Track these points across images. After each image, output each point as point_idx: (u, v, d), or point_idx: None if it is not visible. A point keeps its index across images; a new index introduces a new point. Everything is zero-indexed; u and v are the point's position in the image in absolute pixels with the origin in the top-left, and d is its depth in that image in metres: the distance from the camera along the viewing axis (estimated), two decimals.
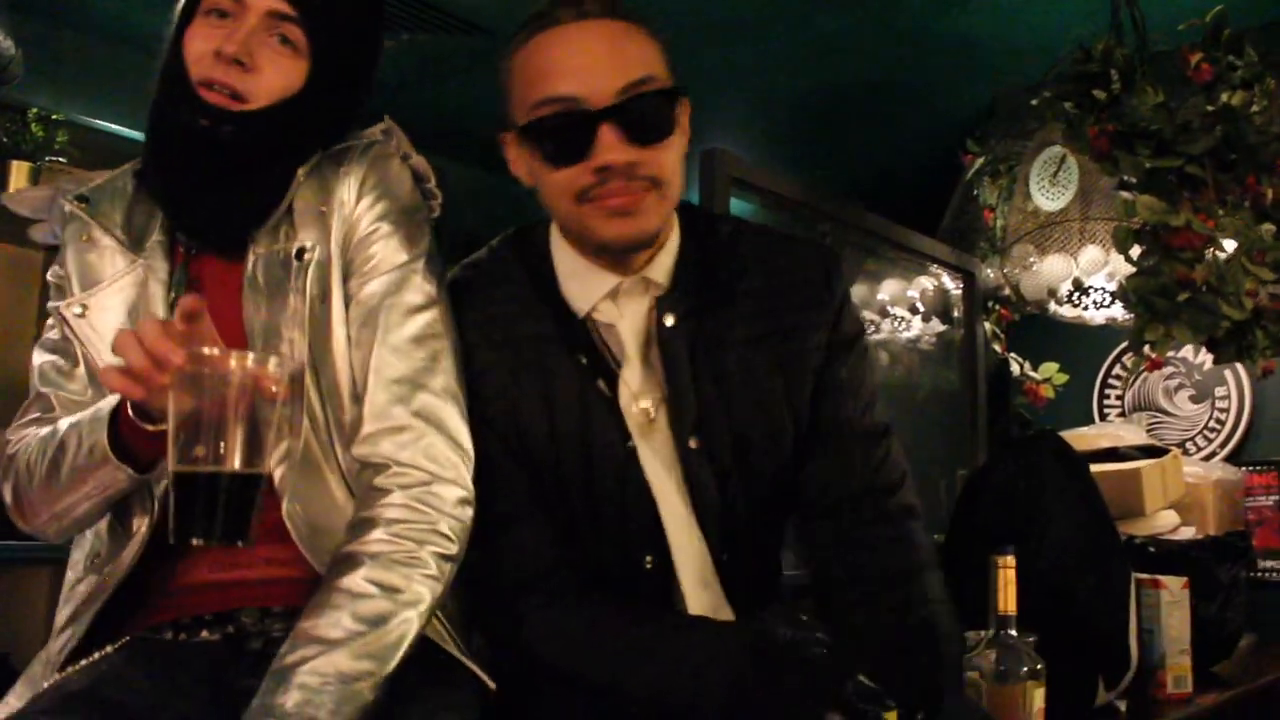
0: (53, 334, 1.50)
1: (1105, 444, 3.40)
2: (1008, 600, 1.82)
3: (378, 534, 1.29)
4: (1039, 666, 1.80)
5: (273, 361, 1.09)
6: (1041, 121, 3.17)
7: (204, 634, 1.34)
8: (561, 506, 1.46)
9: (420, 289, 1.43)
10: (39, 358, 1.49)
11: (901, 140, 4.70)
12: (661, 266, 1.47)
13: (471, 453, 1.39)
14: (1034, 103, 2.89)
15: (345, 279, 1.43)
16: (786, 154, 5.10)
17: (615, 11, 1.40)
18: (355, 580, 1.25)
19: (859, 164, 4.86)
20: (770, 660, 1.25)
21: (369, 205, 1.45)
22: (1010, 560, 1.83)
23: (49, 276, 1.51)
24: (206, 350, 1.07)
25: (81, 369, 1.45)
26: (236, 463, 1.05)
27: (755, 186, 2.79)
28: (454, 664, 1.35)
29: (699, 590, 1.46)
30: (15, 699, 1.31)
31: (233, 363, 1.06)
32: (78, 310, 1.43)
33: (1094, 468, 2.80)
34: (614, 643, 1.37)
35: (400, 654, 1.23)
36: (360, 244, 1.44)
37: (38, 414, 1.46)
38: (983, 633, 1.83)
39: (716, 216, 1.61)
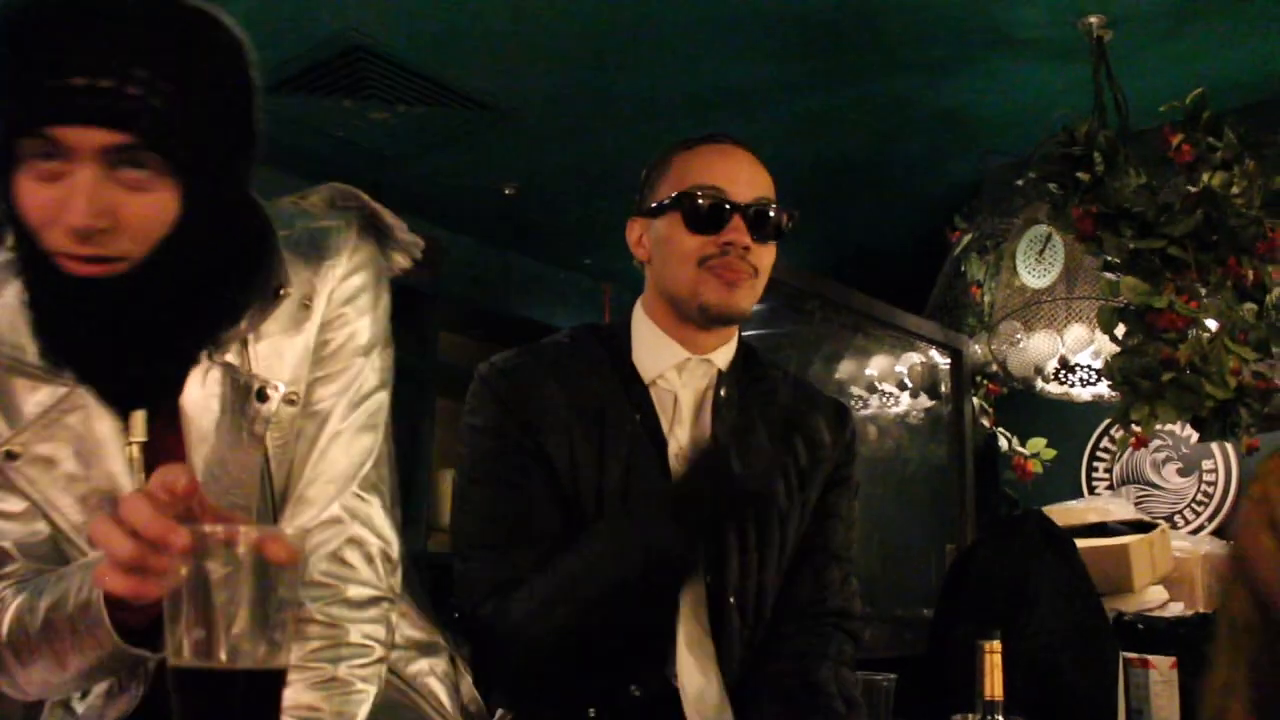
0: None
1: (1093, 518, 3.41)
2: (994, 685, 1.83)
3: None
4: None
5: (290, 532, 0.91)
6: (1028, 199, 3.22)
7: None
8: None
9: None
10: None
11: (890, 215, 4.75)
12: (723, 355, 1.79)
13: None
14: (1019, 183, 2.95)
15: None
16: None
17: (752, 150, 1.82)
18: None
19: (848, 238, 4.90)
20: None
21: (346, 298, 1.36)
22: (996, 645, 1.84)
23: None
24: (209, 528, 0.89)
25: (26, 511, 1.25)
26: (256, 656, 0.87)
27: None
28: None
29: (696, 632, 1.68)
30: None
31: (241, 542, 0.87)
32: (8, 454, 1.23)
33: (1081, 543, 2.82)
34: (559, 569, 1.59)
35: None
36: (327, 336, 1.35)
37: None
38: (970, 717, 1.84)
39: (758, 349, 1.97)
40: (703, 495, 1.55)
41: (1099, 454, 4.11)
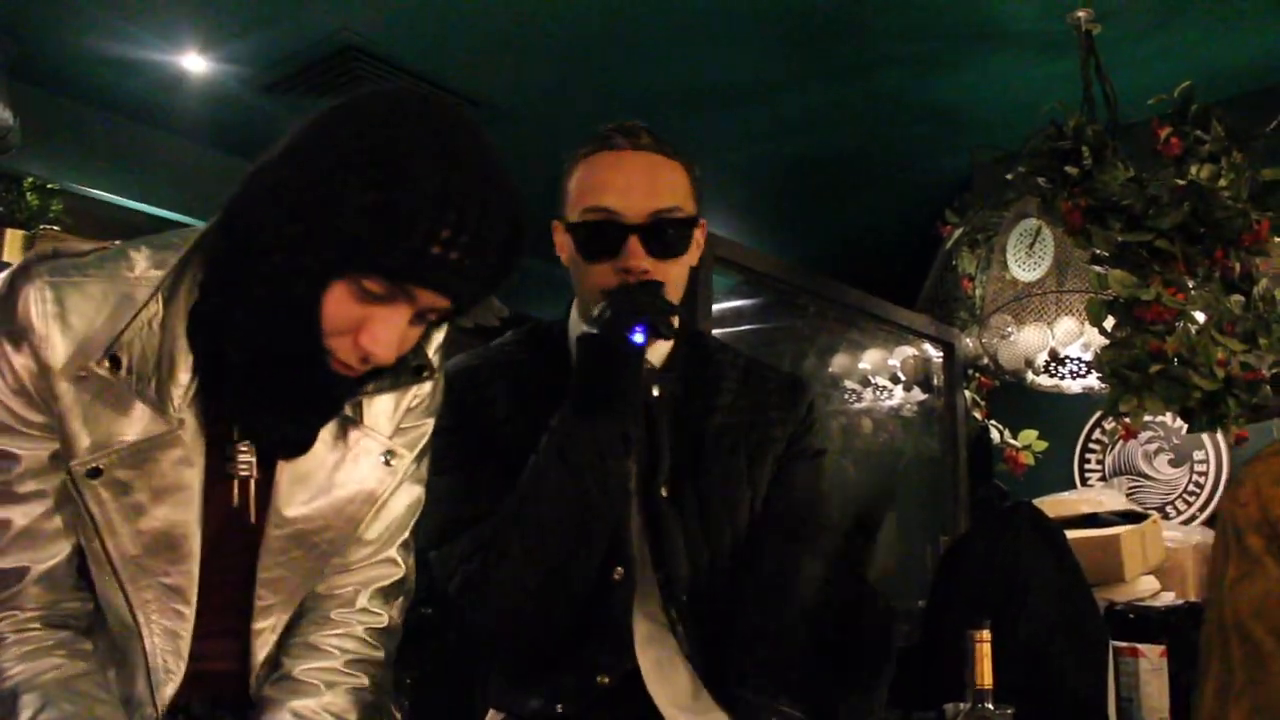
0: (6, 479, 1.26)
1: (1085, 509, 3.44)
2: (984, 674, 1.85)
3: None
4: None
5: None
6: (1018, 193, 3.24)
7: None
8: None
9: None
10: None
11: (881, 209, 4.78)
12: (657, 353, 1.73)
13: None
14: (1009, 177, 2.96)
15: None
16: (769, 222, 5.18)
17: (661, 147, 1.69)
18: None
19: (841, 232, 4.93)
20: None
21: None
22: (986, 634, 1.86)
23: None
24: None
25: (63, 538, 1.29)
26: None
27: (737, 264, 2.86)
28: None
29: (648, 624, 1.67)
30: None
31: None
32: (93, 470, 1.25)
33: (1073, 534, 2.85)
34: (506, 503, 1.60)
35: None
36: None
37: (11, 593, 1.28)
38: (961, 706, 1.87)
39: (705, 333, 1.96)
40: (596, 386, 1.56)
41: (1091, 446, 4.14)
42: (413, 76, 3.94)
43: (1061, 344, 2.94)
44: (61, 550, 1.28)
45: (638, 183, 1.64)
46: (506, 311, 1.71)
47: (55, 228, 3.87)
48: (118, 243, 1.32)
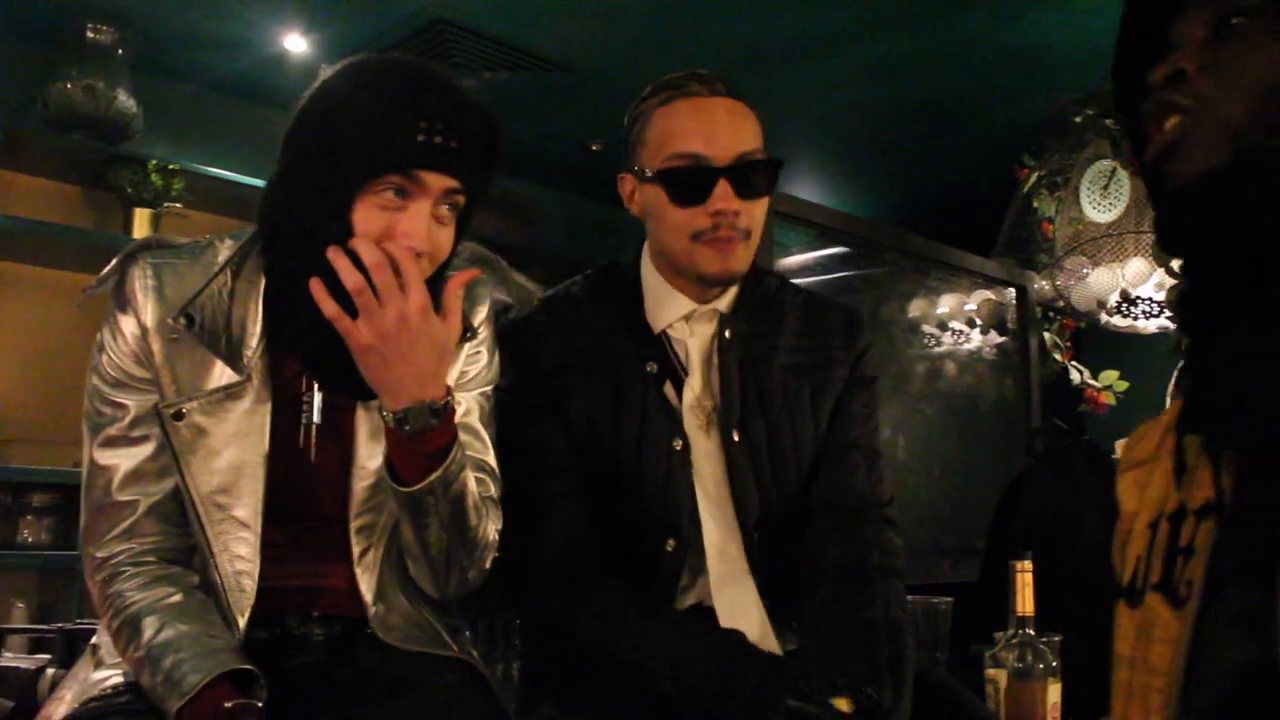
0: (115, 428, 1.51)
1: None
2: (1025, 602, 1.96)
3: None
4: (1054, 664, 1.93)
5: None
6: (1094, 135, 3.25)
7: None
8: (610, 493, 1.74)
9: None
10: (105, 456, 1.50)
11: (965, 154, 4.78)
12: (727, 298, 1.81)
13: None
14: (1077, 119, 2.99)
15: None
16: (853, 171, 5.21)
17: (734, 93, 1.74)
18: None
19: (923, 178, 4.95)
20: (739, 657, 1.51)
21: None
22: (1028, 565, 1.97)
23: (104, 358, 1.51)
24: None
25: (167, 476, 1.50)
26: None
27: (804, 220, 2.95)
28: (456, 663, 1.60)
29: (723, 562, 1.72)
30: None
31: None
32: (177, 413, 1.48)
33: None
34: (625, 625, 1.63)
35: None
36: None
37: (127, 525, 1.50)
38: (1007, 633, 1.97)
39: (767, 271, 1.96)
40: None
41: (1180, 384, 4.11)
42: (501, 45, 4.09)
43: (1132, 284, 2.97)
44: (165, 487, 1.50)
45: (723, 127, 1.69)
46: (540, 290, 1.84)
47: (178, 205, 4.13)
48: (209, 236, 1.60)
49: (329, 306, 1.40)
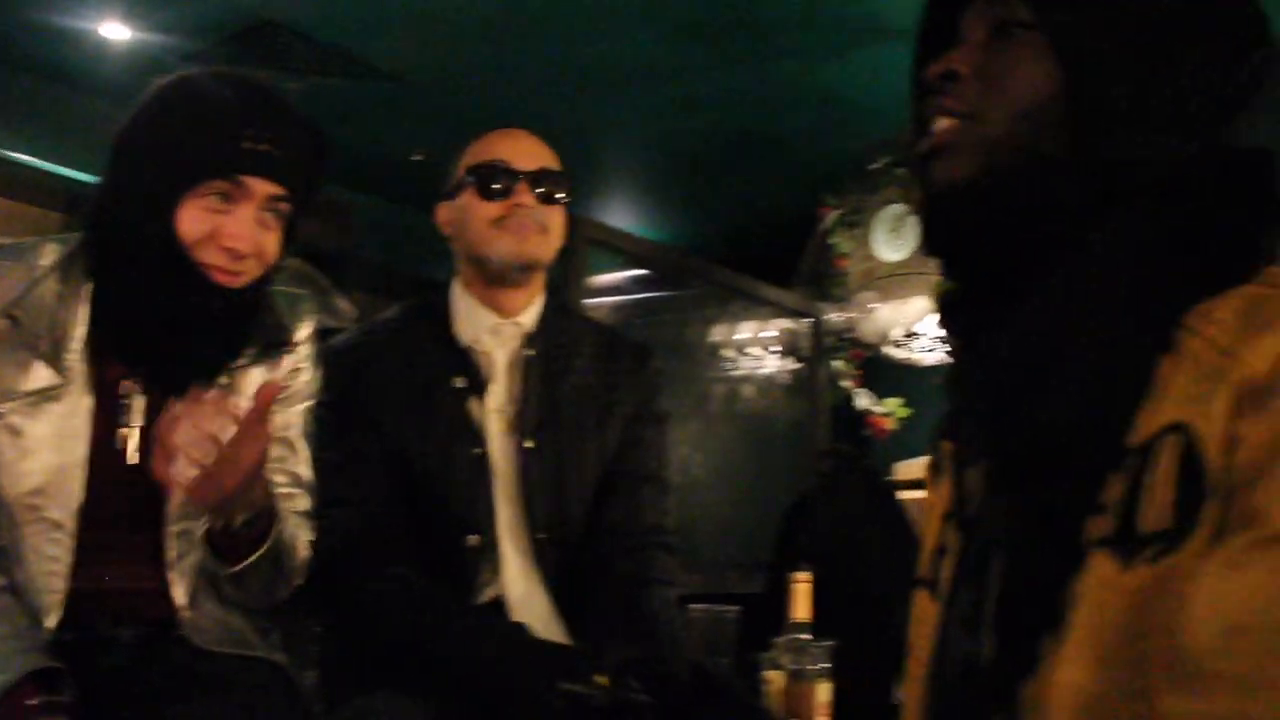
0: None
1: None
2: (799, 609, 2.13)
3: None
4: (826, 666, 2.11)
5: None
6: (889, 180, 3.51)
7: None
8: (420, 498, 1.90)
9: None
10: None
11: (771, 188, 5.00)
12: (530, 316, 1.99)
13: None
14: (871, 167, 3.23)
15: None
16: (665, 200, 5.40)
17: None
18: None
19: (733, 208, 5.15)
20: (520, 646, 1.73)
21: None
22: (806, 576, 2.14)
23: None
24: None
25: None
26: None
27: (613, 246, 3.11)
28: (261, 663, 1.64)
29: (515, 558, 1.90)
30: None
31: None
32: None
33: (924, 494, 3.14)
34: (424, 618, 1.79)
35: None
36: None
37: None
38: (783, 639, 2.14)
39: (570, 302, 2.24)
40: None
41: None
42: (330, 52, 4.11)
43: (914, 321, 3.22)
44: None
45: (526, 144, 1.97)
46: (356, 312, 1.95)
47: None
48: (34, 238, 1.61)
49: (160, 469, 1.37)
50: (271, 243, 1.56)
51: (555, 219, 1.97)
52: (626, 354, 2.09)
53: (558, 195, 1.97)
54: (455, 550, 1.87)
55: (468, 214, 1.95)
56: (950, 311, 0.98)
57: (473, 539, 1.87)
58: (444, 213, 2.01)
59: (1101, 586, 0.80)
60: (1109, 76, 0.88)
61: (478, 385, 1.94)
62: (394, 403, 1.90)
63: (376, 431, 1.89)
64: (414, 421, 1.90)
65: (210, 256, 1.49)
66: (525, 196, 1.92)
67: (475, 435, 1.92)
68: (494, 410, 1.95)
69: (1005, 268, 0.91)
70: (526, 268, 1.96)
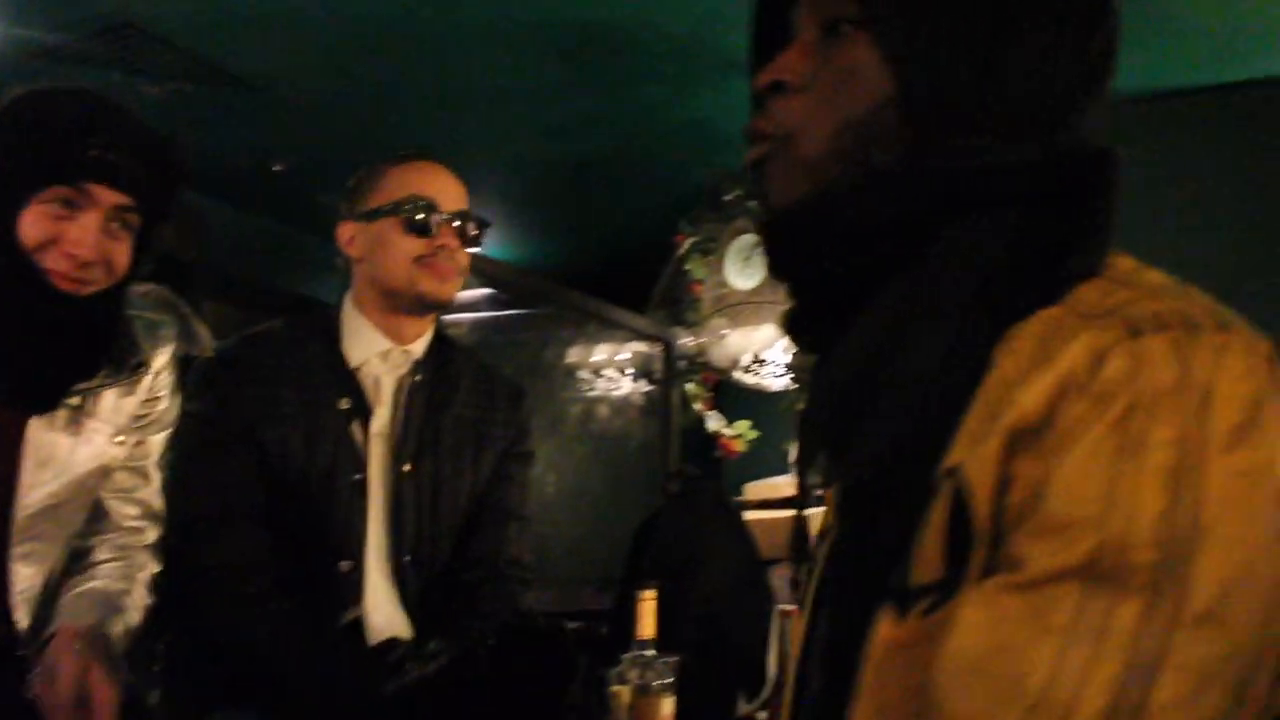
0: None
1: (790, 492, 3.88)
2: (645, 626, 2.22)
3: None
4: (670, 681, 2.19)
5: None
6: (741, 210, 3.64)
7: None
8: (294, 519, 1.92)
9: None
10: None
11: (633, 214, 5.11)
12: (420, 345, 2.05)
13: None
14: (725, 198, 3.35)
15: None
16: (530, 220, 5.45)
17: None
18: None
19: (592, 232, 5.24)
20: (355, 658, 1.87)
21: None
22: (651, 593, 2.23)
23: None
24: None
25: None
26: None
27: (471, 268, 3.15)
28: None
29: (380, 580, 1.96)
30: None
31: None
32: None
33: (770, 514, 3.27)
34: (282, 641, 1.85)
35: None
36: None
37: None
38: (629, 654, 2.22)
39: (450, 335, 2.25)
40: None
41: None
42: (189, 57, 4.05)
43: (763, 348, 3.35)
44: None
45: (451, 187, 2.03)
46: (211, 348, 1.96)
47: None
48: None
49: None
50: (120, 253, 1.57)
51: (467, 260, 2.04)
52: (504, 392, 2.19)
53: (474, 236, 2.05)
54: (325, 574, 1.91)
55: (386, 246, 1.98)
56: (795, 330, 0.94)
57: (344, 564, 1.91)
58: (350, 233, 2.04)
59: (883, 644, 0.74)
60: (938, 77, 0.80)
61: (362, 408, 1.98)
62: (277, 420, 1.92)
63: (258, 447, 1.90)
64: (297, 442, 1.92)
65: (53, 263, 1.50)
66: (449, 238, 1.98)
67: (357, 461, 1.95)
68: (376, 434, 1.99)
69: (845, 288, 0.84)
70: (440, 306, 2.04)
